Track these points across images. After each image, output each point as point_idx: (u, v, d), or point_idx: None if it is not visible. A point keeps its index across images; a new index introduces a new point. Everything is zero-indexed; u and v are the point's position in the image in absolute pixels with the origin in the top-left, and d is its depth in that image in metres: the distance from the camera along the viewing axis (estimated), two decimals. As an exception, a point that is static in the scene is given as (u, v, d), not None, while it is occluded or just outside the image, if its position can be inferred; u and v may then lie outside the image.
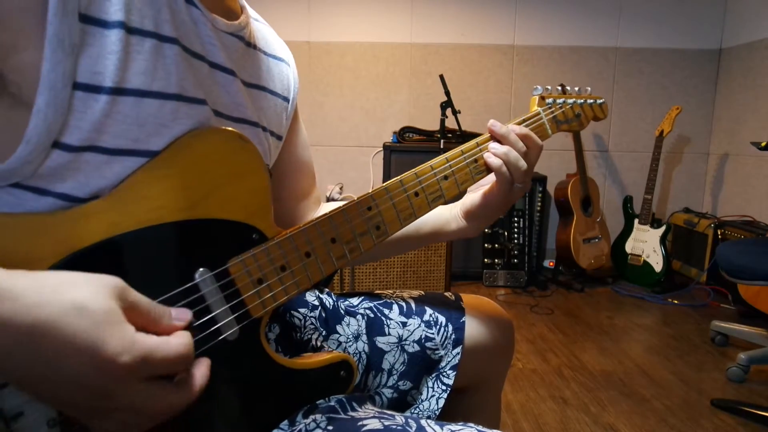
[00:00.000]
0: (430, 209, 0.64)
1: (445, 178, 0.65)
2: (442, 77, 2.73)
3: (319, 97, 3.27)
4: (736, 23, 3.08)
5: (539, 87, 0.77)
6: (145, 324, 0.39)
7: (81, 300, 0.36)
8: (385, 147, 2.92)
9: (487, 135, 0.68)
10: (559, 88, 0.81)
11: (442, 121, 2.76)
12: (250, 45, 0.60)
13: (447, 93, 2.72)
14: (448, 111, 2.71)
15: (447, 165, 0.65)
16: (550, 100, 0.77)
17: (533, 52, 3.23)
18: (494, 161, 0.66)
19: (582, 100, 0.80)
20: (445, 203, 0.67)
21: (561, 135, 3.20)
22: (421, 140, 3.00)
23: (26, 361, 0.35)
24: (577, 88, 0.82)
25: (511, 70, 3.24)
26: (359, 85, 3.26)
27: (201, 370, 0.43)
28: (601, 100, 0.83)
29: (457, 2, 3.18)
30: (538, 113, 0.74)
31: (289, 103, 0.69)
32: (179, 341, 0.40)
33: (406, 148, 2.91)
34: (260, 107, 0.62)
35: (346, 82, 3.26)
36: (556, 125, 0.76)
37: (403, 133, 3.01)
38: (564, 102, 0.78)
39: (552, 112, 0.76)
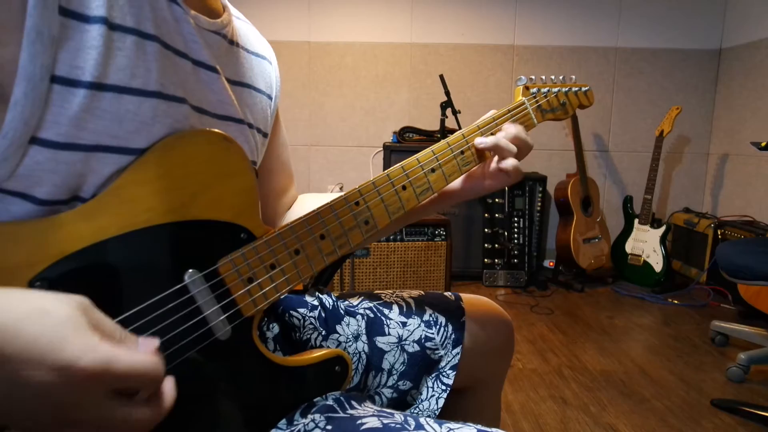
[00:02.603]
0: (419, 202, 0.64)
1: (432, 171, 0.65)
2: (442, 77, 2.73)
3: (319, 97, 3.27)
4: (736, 23, 3.08)
5: (523, 77, 0.77)
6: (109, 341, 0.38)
7: (44, 305, 0.35)
8: (385, 147, 2.92)
9: (473, 126, 0.69)
10: (543, 77, 0.81)
11: (442, 121, 2.76)
12: (233, 43, 0.60)
13: (447, 93, 2.72)
14: (448, 111, 2.71)
15: (433, 158, 0.65)
16: (534, 90, 0.77)
17: (533, 52, 3.22)
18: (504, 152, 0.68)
19: (567, 89, 0.80)
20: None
21: (561, 135, 3.20)
22: (421, 140, 3.00)
23: None
24: (561, 77, 0.81)
25: (511, 70, 3.24)
26: (359, 85, 3.26)
27: (168, 386, 0.40)
28: (586, 88, 0.83)
29: (457, 2, 3.18)
30: (523, 103, 0.74)
31: (272, 100, 0.69)
32: (146, 355, 0.38)
33: (406, 148, 2.91)
34: (246, 104, 0.61)
35: (346, 82, 3.25)
36: (541, 114, 0.76)
37: (403, 133, 3.01)
38: (549, 91, 0.77)
39: (537, 102, 0.76)
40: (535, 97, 0.76)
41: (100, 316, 0.38)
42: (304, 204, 0.81)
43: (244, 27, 0.66)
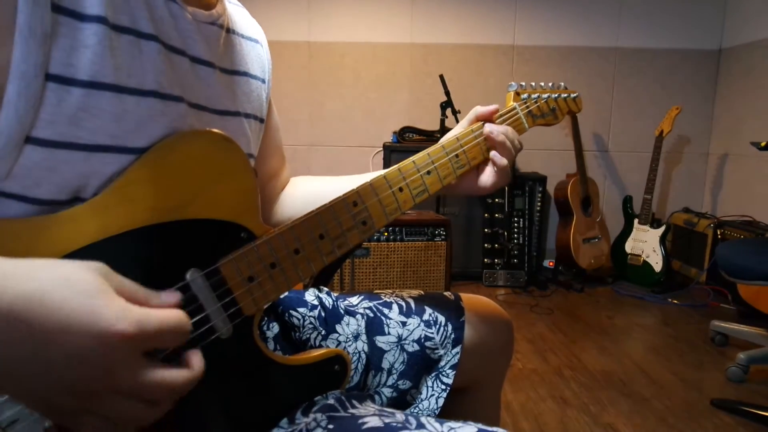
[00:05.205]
0: (415, 203, 0.65)
1: (428, 173, 0.66)
2: (442, 77, 2.73)
3: (319, 97, 3.27)
4: (736, 23, 3.08)
5: (514, 83, 0.79)
6: (133, 303, 0.38)
7: (68, 273, 0.36)
8: (385, 147, 2.92)
9: (467, 130, 0.71)
10: (533, 84, 0.82)
11: (442, 121, 2.76)
12: (229, 30, 0.61)
13: (447, 93, 2.72)
14: (448, 111, 2.71)
15: (429, 160, 0.67)
16: (525, 96, 0.79)
17: (533, 52, 3.22)
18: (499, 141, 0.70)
19: (556, 95, 0.82)
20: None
21: (561, 135, 3.20)
22: (421, 140, 3.00)
23: (15, 342, 0.33)
24: (551, 83, 0.83)
25: (511, 70, 3.24)
26: (359, 85, 3.26)
27: (197, 354, 0.42)
28: (575, 94, 0.85)
29: (457, 2, 3.18)
30: (514, 108, 0.76)
31: (266, 84, 0.69)
32: (172, 311, 0.39)
33: (406, 148, 2.90)
34: (243, 92, 0.62)
35: (346, 82, 3.26)
36: (532, 119, 0.78)
37: (403, 133, 3.01)
38: (539, 97, 0.79)
39: (527, 107, 0.78)
40: (525, 103, 0.78)
41: (120, 278, 0.39)
42: (299, 187, 0.82)
43: (237, 11, 0.66)
